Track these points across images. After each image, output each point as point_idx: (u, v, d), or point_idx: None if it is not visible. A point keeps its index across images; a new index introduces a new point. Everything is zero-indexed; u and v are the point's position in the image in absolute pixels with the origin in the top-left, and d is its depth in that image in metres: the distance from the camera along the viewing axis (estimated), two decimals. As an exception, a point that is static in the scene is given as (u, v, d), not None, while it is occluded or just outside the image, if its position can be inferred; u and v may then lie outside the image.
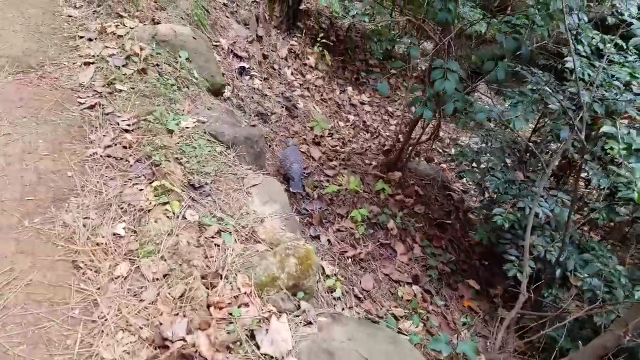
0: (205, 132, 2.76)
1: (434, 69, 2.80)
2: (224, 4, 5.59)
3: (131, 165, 2.44)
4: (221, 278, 1.92)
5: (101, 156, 2.47)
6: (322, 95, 6.06)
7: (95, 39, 3.32)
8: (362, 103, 6.44)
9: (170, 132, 2.67)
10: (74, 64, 3.09)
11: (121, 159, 2.48)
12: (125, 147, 2.54)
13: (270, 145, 4.00)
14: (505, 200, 2.97)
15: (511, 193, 2.99)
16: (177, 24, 3.79)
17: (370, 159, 4.53)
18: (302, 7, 6.89)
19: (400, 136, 4.93)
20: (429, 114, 2.85)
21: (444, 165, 5.68)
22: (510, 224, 2.87)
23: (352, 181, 3.63)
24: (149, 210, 2.20)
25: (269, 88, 5.29)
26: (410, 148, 4.07)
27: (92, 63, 3.10)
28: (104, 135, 2.61)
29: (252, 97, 4.78)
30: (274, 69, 5.84)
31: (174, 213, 2.18)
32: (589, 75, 2.72)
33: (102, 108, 2.78)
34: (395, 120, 6.53)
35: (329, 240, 3.31)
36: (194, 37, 3.51)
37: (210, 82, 3.56)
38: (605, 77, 2.84)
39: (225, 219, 2.21)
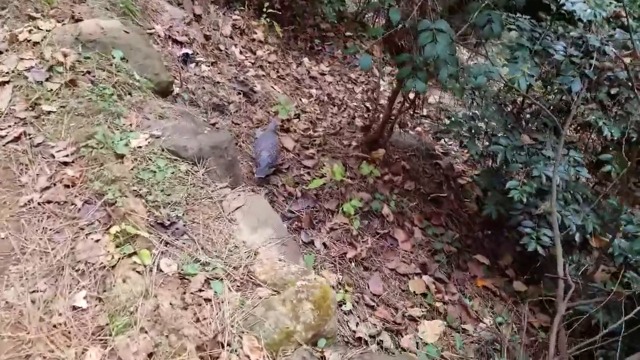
0: (163, 150, 2.26)
1: (420, 32, 2.38)
2: (152, -16, 4.90)
3: (79, 210, 1.93)
4: (223, 347, 1.50)
5: (39, 203, 1.94)
6: (278, 72, 5.53)
7: (7, 50, 2.70)
8: (322, 74, 5.96)
9: (120, 156, 2.15)
10: (-17, 86, 2.48)
11: (65, 202, 1.96)
12: (67, 186, 2.02)
13: (237, 143, 3.51)
14: (515, 169, 2.65)
15: (520, 160, 2.66)
16: (102, 18, 3.17)
17: (348, 139, 4.12)
18: (240, -25, 6.24)
19: (376, 109, 4.52)
20: (422, 86, 2.45)
21: (419, 129, 5.35)
22: (525, 195, 2.56)
23: (336, 170, 3.22)
24: (112, 267, 1.72)
25: (219, 73, 4.72)
26: (391, 121, 3.68)
27: (8, 82, 2.49)
28: (37, 175, 2.07)
29: (204, 88, 4.23)
30: (220, 50, 5.25)
31: (145, 266, 1.71)
32: (595, 15, 2.38)
33: (30, 139, 2.23)
34: (360, 88, 6.11)
35: (324, 244, 2.93)
36: (125, 31, 2.92)
37: (155, 81, 3.01)
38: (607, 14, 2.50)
39: (212, 262, 1.77)
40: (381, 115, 3.96)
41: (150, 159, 2.20)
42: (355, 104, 5.77)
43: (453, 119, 3.11)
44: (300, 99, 5.34)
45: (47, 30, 2.84)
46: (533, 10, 3.19)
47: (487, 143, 2.97)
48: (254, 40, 5.68)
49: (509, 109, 2.98)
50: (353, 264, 2.87)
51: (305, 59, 5.99)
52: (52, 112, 2.36)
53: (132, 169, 2.12)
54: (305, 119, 4.67)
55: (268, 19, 5.50)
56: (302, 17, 6.36)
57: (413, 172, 3.98)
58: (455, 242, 3.35)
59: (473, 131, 2.87)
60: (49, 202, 1.94)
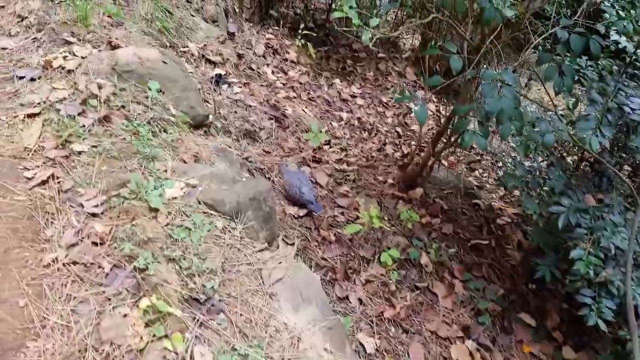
0: (199, 203, 2.08)
1: (483, 84, 2.16)
2: (187, 1, 4.79)
3: (107, 275, 1.76)
4: None
5: (64, 264, 1.77)
6: (309, 93, 5.36)
7: (39, 77, 2.56)
8: (353, 96, 5.77)
9: (154, 210, 1.97)
10: (14, 117, 2.33)
11: (92, 264, 1.79)
12: (95, 244, 1.85)
13: (269, 178, 3.33)
14: (580, 236, 2.41)
15: (584, 224, 2.42)
16: (140, 44, 3.03)
17: (382, 174, 3.91)
18: (274, -9, 6.10)
19: (417, 146, 4.29)
20: (483, 142, 2.23)
21: (452, 158, 5.11)
22: (592, 268, 2.32)
23: (373, 213, 3.01)
24: (140, 351, 1.54)
25: (251, 95, 4.56)
26: (431, 160, 3.46)
27: (38, 114, 2.35)
28: (64, 227, 1.91)
29: (236, 112, 4.06)
30: (252, 70, 5.10)
31: (176, 353, 1.53)
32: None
33: (59, 183, 2.07)
34: (391, 112, 5.90)
35: (360, 300, 2.72)
36: (164, 62, 2.77)
37: (191, 115, 2.85)
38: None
39: (250, 353, 1.57)
40: (418, 151, 3.75)
41: (185, 213, 2.02)
42: (386, 128, 5.56)
43: (508, 170, 2.88)
44: (331, 123, 5.16)
45: (82, 57, 2.70)
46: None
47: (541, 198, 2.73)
48: (286, 60, 5.53)
49: (569, 164, 2.74)
50: (391, 325, 2.66)
51: (337, 80, 5.81)
52: (83, 152, 2.20)
53: (166, 225, 1.95)
54: (338, 147, 4.48)
55: (303, 41, 5.32)
56: (335, 37, 6.19)
57: (451, 214, 3.76)
58: (500, 299, 3.12)
59: (530, 185, 2.64)
60: (74, 263, 1.78)
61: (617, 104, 2.28)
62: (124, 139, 2.30)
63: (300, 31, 5.33)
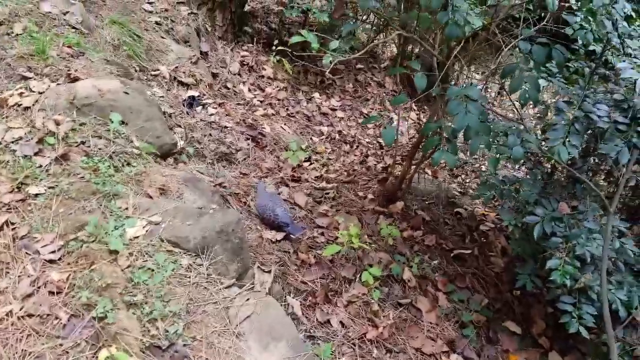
0: (162, 241, 2.02)
1: (449, 100, 2.13)
2: (157, 23, 4.74)
3: (64, 326, 1.69)
4: None
5: (19, 317, 1.71)
6: (287, 109, 5.32)
7: (-7, 117, 2.49)
8: (333, 109, 5.74)
9: (114, 253, 1.91)
10: (-34, 161, 2.27)
11: (48, 315, 1.72)
12: (52, 294, 1.79)
13: (245, 202, 3.26)
14: (555, 245, 2.37)
15: (559, 232, 2.38)
16: (101, 74, 2.97)
17: (363, 189, 3.87)
18: (247, 8, 6.07)
19: (394, 160, 4.25)
20: (453, 159, 2.18)
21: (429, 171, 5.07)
22: (569, 277, 2.28)
23: (353, 232, 2.95)
24: (100, 407, 1.47)
25: (227, 115, 4.51)
26: (410, 173, 3.42)
27: (-8, 157, 2.28)
28: (19, 277, 1.84)
29: (210, 135, 4.00)
30: (228, 89, 5.06)
31: (138, 407, 1.46)
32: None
33: (14, 230, 2.00)
34: (372, 123, 5.86)
35: (341, 323, 2.66)
36: (125, 92, 2.71)
37: (157, 144, 2.79)
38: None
39: (217, 398, 1.51)
40: (396, 163, 3.70)
41: (147, 253, 1.96)
42: (367, 140, 5.53)
43: (485, 180, 2.84)
44: (311, 138, 5.12)
45: (39, 93, 2.64)
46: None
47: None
48: (262, 76, 5.49)
49: (544, 172, 2.70)
50: (374, 346, 2.60)
51: (316, 94, 5.78)
52: (39, 194, 2.13)
53: (127, 268, 1.88)
54: (318, 163, 4.43)
55: (278, 56, 5.29)
56: (311, 49, 6.16)
57: (433, 224, 3.72)
58: (484, 309, 3.07)
59: (505, 198, 2.60)
60: (30, 315, 1.71)
61: (584, 111, 2.25)
62: (83, 177, 2.23)
63: (274, 47, 5.30)
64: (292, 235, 3.06)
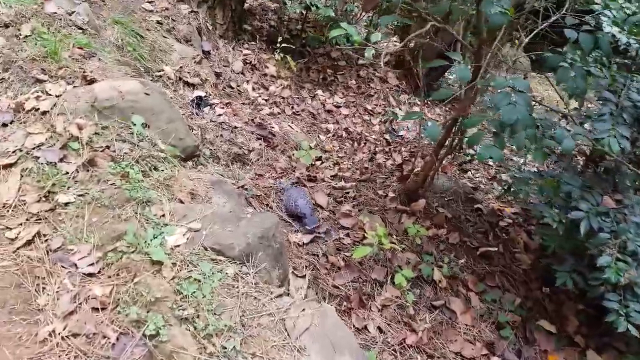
0: (205, 249, 1.90)
1: (496, 93, 2.05)
2: (158, 22, 4.58)
3: (113, 345, 1.56)
4: None
5: (63, 337, 1.57)
6: (292, 107, 5.20)
7: (11, 122, 2.33)
8: (338, 106, 5.64)
9: (157, 264, 1.78)
10: (-15, 171, 2.11)
11: (95, 334, 1.59)
12: (96, 310, 1.65)
13: (267, 204, 3.15)
14: (603, 241, 2.31)
15: (606, 228, 2.33)
16: (117, 75, 2.82)
17: (382, 187, 3.78)
18: (246, 6, 5.93)
19: (405, 154, 4.18)
20: (499, 154, 2.11)
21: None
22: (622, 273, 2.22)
23: (381, 232, 2.87)
24: None
25: (234, 115, 4.38)
26: (433, 172, 3.34)
27: (14, 164, 2.13)
28: (58, 293, 1.70)
29: (222, 136, 3.88)
30: (232, 88, 4.92)
31: None
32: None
33: (46, 242, 1.86)
34: (377, 119, 5.78)
35: (379, 329, 2.57)
36: (146, 93, 2.57)
37: (181, 147, 2.66)
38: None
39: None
40: (415, 160, 3.62)
41: (192, 263, 1.84)
42: (374, 137, 5.45)
43: (517, 174, 2.77)
44: (318, 136, 5.02)
45: (56, 96, 2.48)
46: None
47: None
48: (265, 75, 5.36)
49: (581, 165, 2.65)
50: (415, 351, 2.52)
51: (319, 91, 5.67)
52: (69, 203, 1.99)
53: (172, 279, 1.76)
54: (330, 162, 4.34)
55: (282, 54, 5.17)
56: (312, 46, 6.05)
57: (455, 222, 3.65)
58: (518, 308, 3.01)
59: (544, 193, 2.53)
60: (75, 335, 1.57)
61: (630, 100, 2.19)
62: (113, 184, 2.09)
63: (278, 44, 5.18)
64: (306, 226, 3.10)
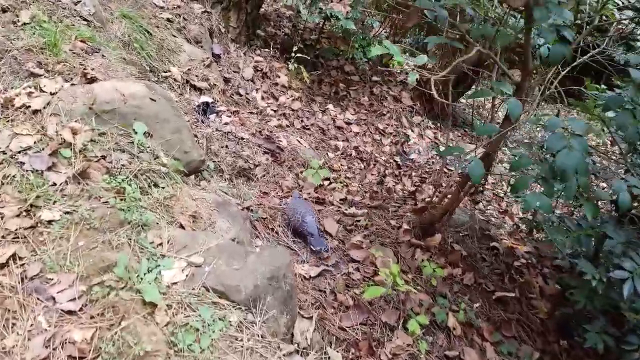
0: (207, 290, 1.63)
1: (550, 136, 1.81)
2: (168, 20, 4.34)
3: (89, 409, 1.29)
4: None
5: (28, 394, 1.30)
6: (302, 121, 4.96)
7: (-4, 120, 2.07)
8: (348, 123, 5.40)
9: (150, 305, 1.52)
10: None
11: (68, 392, 1.32)
12: (72, 359, 1.38)
13: (273, 229, 2.89)
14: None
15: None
16: (121, 75, 2.57)
17: (394, 217, 3.52)
18: (261, 10, 5.70)
19: (409, 182, 3.94)
20: (548, 205, 1.87)
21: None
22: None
23: (395, 270, 2.61)
24: None
25: (241, 125, 4.13)
26: (455, 206, 3.10)
27: (-7, 170, 1.86)
28: (30, 332, 1.43)
29: (227, 147, 3.62)
30: (241, 95, 4.68)
31: None
32: None
33: (22, 266, 1.59)
34: (388, 139, 5.55)
35: (390, 381, 2.30)
36: (151, 99, 2.31)
37: (185, 161, 2.40)
38: None
39: None
40: (434, 194, 3.37)
41: (190, 306, 1.57)
42: (384, 158, 5.21)
43: (552, 223, 2.53)
44: (327, 153, 4.77)
45: (51, 94, 2.22)
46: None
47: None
48: (276, 84, 5.12)
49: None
50: (428, 410, 2.25)
51: (330, 106, 5.44)
52: (54, 221, 1.72)
53: (166, 325, 1.49)
54: (340, 183, 4.09)
55: (296, 64, 4.94)
56: (326, 58, 5.83)
57: (471, 260, 3.40)
58: (536, 364, 2.75)
59: (583, 246, 2.29)
60: (44, 391, 1.30)
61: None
62: (107, 202, 1.83)
63: (293, 53, 4.94)
64: (312, 247, 2.88)
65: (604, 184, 3.17)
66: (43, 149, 1.96)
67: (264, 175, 3.63)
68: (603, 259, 2.27)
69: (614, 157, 2.28)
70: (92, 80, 2.39)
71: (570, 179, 1.84)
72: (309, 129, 4.92)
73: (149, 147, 2.22)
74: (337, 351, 2.29)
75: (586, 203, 1.97)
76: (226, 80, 4.65)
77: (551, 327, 3.14)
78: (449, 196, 3.16)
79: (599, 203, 2.23)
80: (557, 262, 2.26)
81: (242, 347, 1.52)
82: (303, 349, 2.09)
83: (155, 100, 2.33)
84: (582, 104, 2.51)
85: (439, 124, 6.08)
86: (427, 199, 3.45)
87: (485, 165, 2.87)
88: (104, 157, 2.04)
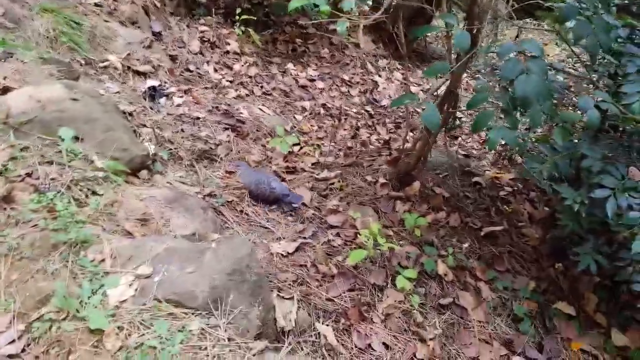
0: (159, 301, 1.49)
1: (504, 63, 1.63)
2: (96, 5, 4.02)
3: None
4: None
5: None
6: (262, 87, 4.71)
7: None
8: (312, 80, 5.16)
9: (98, 332, 1.37)
10: None
11: None
12: (16, 412, 1.25)
13: (242, 210, 2.73)
14: (634, 221, 1.96)
15: (637, 205, 1.98)
16: (39, 79, 2.33)
17: (370, 172, 3.37)
18: (198, -25, 5.30)
19: (384, 130, 3.76)
20: (513, 137, 1.71)
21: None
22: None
23: (375, 228, 2.49)
24: None
25: (196, 104, 3.89)
26: (427, 150, 2.95)
27: None
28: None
29: (182, 131, 3.41)
30: (191, 72, 4.41)
31: None
32: None
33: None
34: (356, 90, 5.32)
35: (384, 345, 2.22)
36: (73, 99, 2.09)
37: (126, 159, 2.21)
38: None
39: None
40: (405, 140, 3.20)
41: (143, 324, 1.43)
42: (355, 110, 5.01)
43: (527, 151, 2.39)
44: (294, 116, 4.56)
45: (-41, 115, 1.99)
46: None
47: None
48: (227, 52, 4.82)
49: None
50: (428, 366, 2.18)
51: (290, 65, 5.17)
52: (-19, 258, 1.55)
53: (118, 351, 1.35)
54: (309, 146, 3.91)
55: (243, 28, 4.63)
56: (277, 15, 5.48)
57: (454, 201, 3.28)
58: (533, 294, 2.70)
59: (561, 171, 2.15)
60: None
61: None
62: (36, 225, 1.65)
63: (237, 16, 4.63)
64: (293, 204, 2.87)
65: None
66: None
67: (227, 154, 3.43)
68: (585, 178, 2.14)
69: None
70: (6, 90, 2.16)
71: (533, 105, 1.67)
72: (270, 94, 4.68)
73: (80, 152, 2.02)
74: (327, 324, 2.20)
75: (555, 128, 1.81)
76: (172, 58, 4.36)
77: (544, 252, 3.07)
78: (419, 141, 3.00)
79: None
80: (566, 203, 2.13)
81: (208, 355, 1.40)
82: (289, 331, 1.99)
83: (78, 100, 2.11)
84: (552, 15, 2.31)
85: (406, 64, 5.84)
86: (399, 148, 3.29)
87: (450, 102, 2.70)
88: (29, 175, 1.84)
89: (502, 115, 1.78)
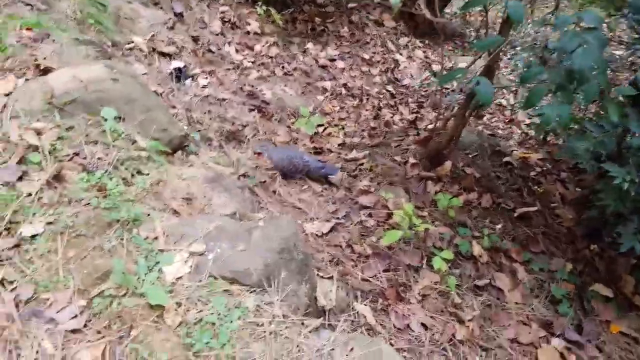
0: (215, 278, 1.50)
1: (562, 35, 1.59)
2: (118, -15, 3.96)
3: None
4: None
5: None
6: (283, 67, 4.66)
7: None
8: (332, 60, 5.09)
9: (158, 308, 1.39)
10: None
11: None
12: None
13: (275, 191, 2.73)
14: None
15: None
16: (78, 60, 2.32)
17: (399, 152, 3.35)
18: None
19: (406, 110, 3.72)
20: (567, 113, 1.67)
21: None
22: None
23: (409, 209, 2.47)
24: None
25: (220, 85, 3.88)
26: (460, 129, 2.91)
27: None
28: (35, 362, 1.31)
29: (210, 112, 3.40)
30: (213, 53, 4.37)
31: None
32: None
33: (13, 291, 1.44)
34: (377, 68, 5.25)
35: (423, 325, 2.22)
36: (113, 79, 2.08)
37: (165, 140, 2.21)
38: None
39: None
40: (437, 121, 3.17)
41: (201, 300, 1.44)
42: (376, 89, 4.96)
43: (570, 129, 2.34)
44: (315, 97, 4.52)
45: (5, 95, 2.00)
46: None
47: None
48: (248, 33, 4.77)
49: None
50: (467, 346, 2.18)
51: (310, 45, 5.11)
52: (37, 235, 1.56)
53: (179, 326, 1.36)
54: (333, 126, 3.88)
55: (265, 8, 4.57)
56: (295, -7, 5.40)
57: (485, 181, 3.25)
58: (570, 275, 2.67)
59: (608, 149, 2.11)
60: None
61: None
62: (89, 203, 1.66)
63: (259, -4, 4.58)
64: (330, 175, 2.91)
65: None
66: (9, 157, 1.77)
67: (254, 135, 3.43)
68: (631, 157, 2.10)
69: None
70: (47, 71, 2.15)
71: (589, 79, 1.63)
72: (291, 74, 4.63)
73: (123, 132, 2.01)
74: (365, 304, 2.20)
75: (609, 103, 1.77)
76: (195, 39, 4.32)
77: (579, 233, 3.05)
78: (452, 119, 2.96)
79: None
80: (580, 166, 2.09)
81: (265, 332, 1.41)
82: (329, 310, 2.00)
83: (118, 80, 2.10)
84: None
85: (428, 42, 5.75)
86: (430, 126, 3.25)
87: (489, 78, 2.65)
88: (76, 154, 1.84)
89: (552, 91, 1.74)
